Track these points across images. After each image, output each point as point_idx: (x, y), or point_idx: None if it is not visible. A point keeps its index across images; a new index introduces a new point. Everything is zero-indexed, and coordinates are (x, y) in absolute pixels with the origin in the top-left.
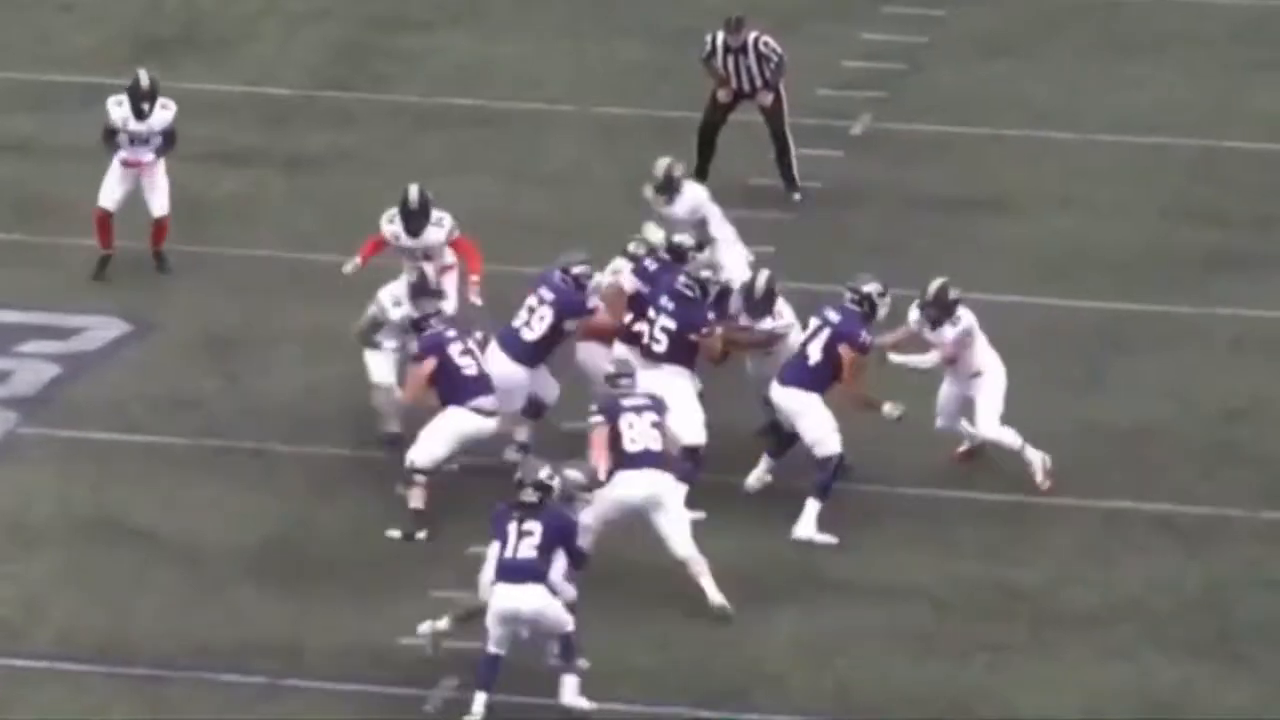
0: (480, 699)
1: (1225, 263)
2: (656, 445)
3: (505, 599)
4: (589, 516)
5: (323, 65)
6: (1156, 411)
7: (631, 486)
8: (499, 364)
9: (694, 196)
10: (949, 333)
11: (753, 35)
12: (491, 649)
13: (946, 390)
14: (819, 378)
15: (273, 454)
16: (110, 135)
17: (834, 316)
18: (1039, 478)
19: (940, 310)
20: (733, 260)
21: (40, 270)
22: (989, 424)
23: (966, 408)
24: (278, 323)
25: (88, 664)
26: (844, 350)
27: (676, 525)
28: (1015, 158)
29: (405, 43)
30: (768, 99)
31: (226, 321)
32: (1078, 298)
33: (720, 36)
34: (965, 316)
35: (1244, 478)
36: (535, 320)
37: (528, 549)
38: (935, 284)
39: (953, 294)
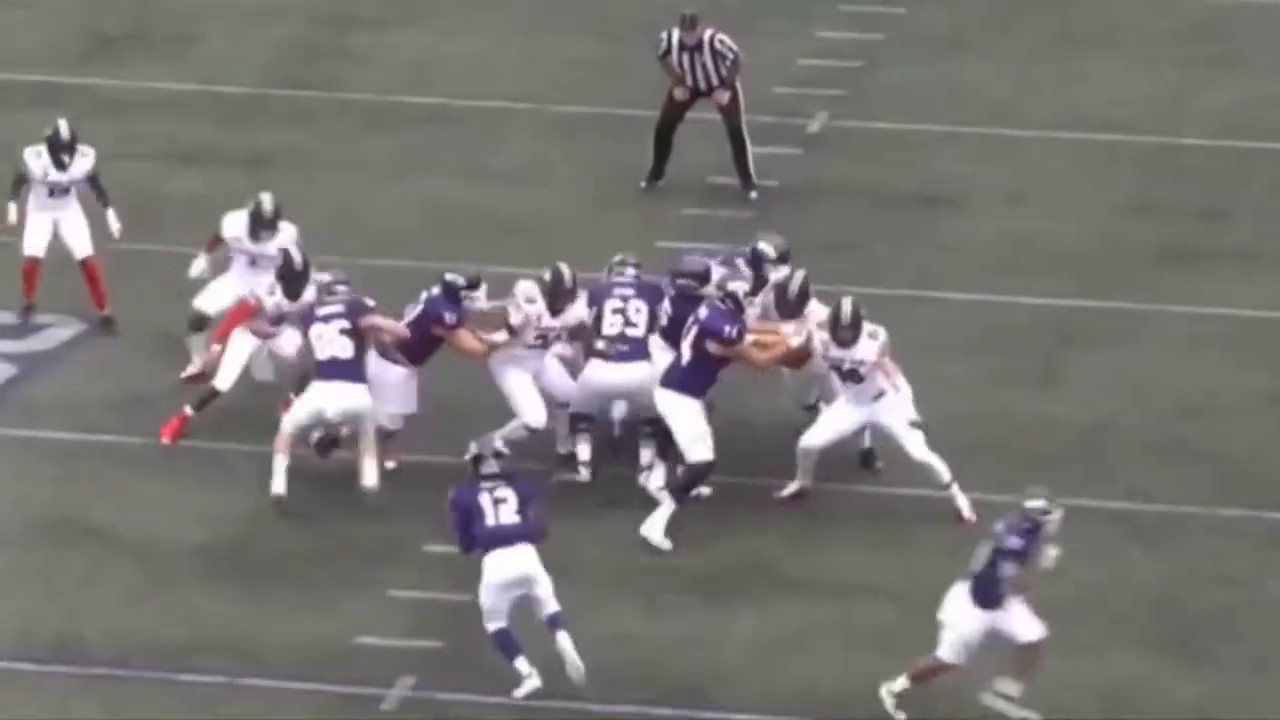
0: (523, 662)
1: (1179, 258)
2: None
3: (507, 565)
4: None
5: (276, 63)
6: (1112, 408)
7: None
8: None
9: (289, 234)
10: (869, 348)
11: (708, 33)
12: (497, 624)
13: (841, 410)
14: (694, 379)
15: (228, 453)
16: (19, 184)
17: (702, 313)
18: (965, 513)
19: (855, 331)
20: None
21: None
22: (919, 449)
23: (870, 433)
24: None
25: (44, 663)
26: (712, 346)
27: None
28: (971, 154)
29: (358, 40)
30: (724, 97)
31: (181, 320)
32: (1032, 294)
33: (675, 34)
34: (880, 331)
35: (1201, 474)
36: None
37: (509, 514)
38: (848, 306)
39: (861, 311)
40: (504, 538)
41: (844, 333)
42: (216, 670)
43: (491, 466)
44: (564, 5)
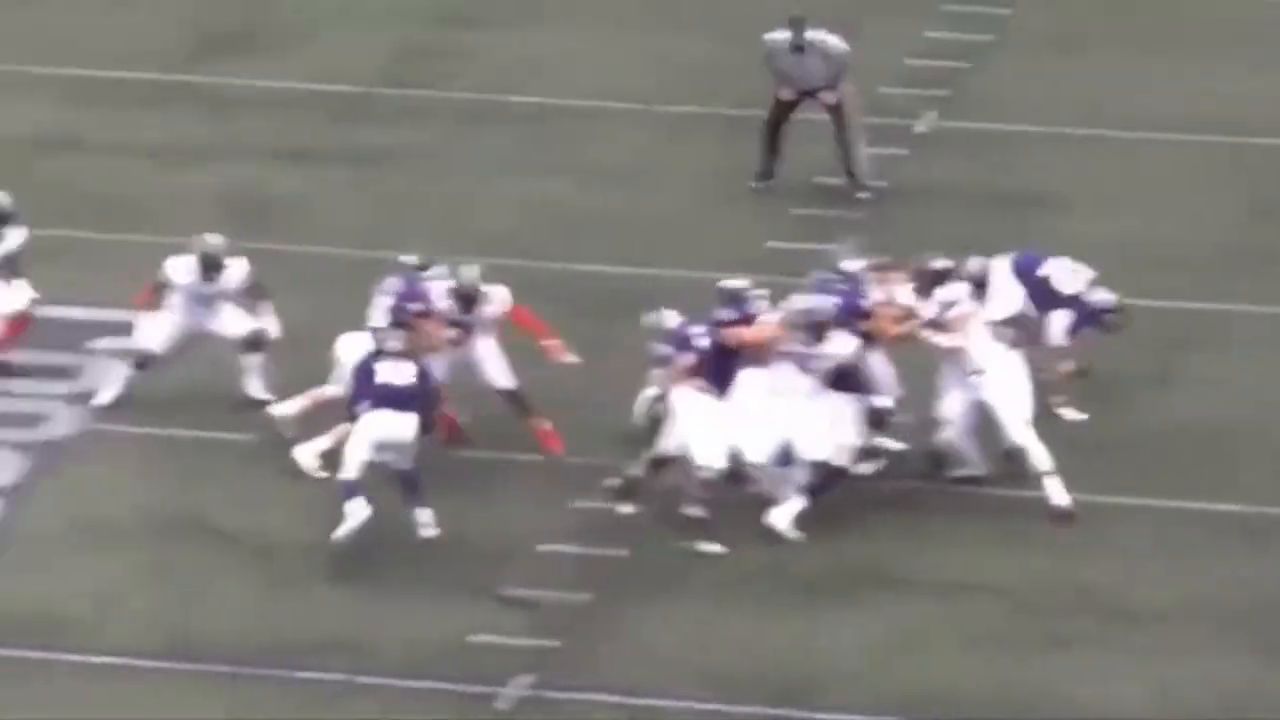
0: (358, 504)
1: None
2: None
3: (388, 424)
4: None
5: (385, 62)
6: (1230, 412)
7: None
8: None
9: (240, 272)
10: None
11: (815, 34)
12: (353, 475)
13: (953, 397)
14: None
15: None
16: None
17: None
18: (1056, 499)
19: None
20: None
21: (107, 268)
22: (1018, 432)
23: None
24: (342, 319)
25: (163, 660)
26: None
27: None
28: (1078, 155)
29: (468, 39)
30: (832, 97)
31: (293, 317)
32: (1145, 296)
33: (783, 35)
34: (964, 300)
35: None
36: None
37: (407, 378)
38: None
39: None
40: (393, 399)
41: (923, 280)
42: (334, 668)
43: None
44: (673, 4)
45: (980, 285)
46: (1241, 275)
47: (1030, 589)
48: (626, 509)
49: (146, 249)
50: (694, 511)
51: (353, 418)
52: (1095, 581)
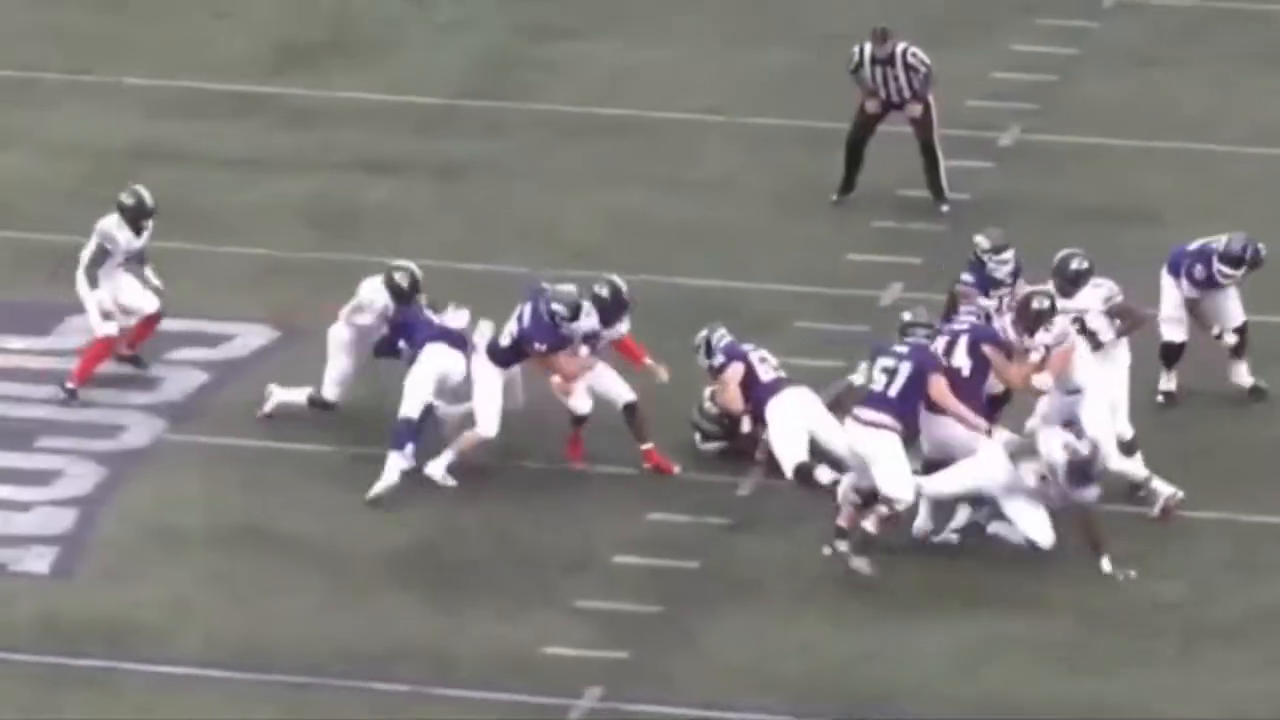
0: (404, 456)
1: None
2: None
3: (448, 359)
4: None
5: (470, 73)
6: None
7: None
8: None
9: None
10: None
11: (900, 46)
12: (415, 414)
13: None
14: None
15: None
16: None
17: (965, 325)
18: (1167, 495)
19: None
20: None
21: (190, 277)
22: (1111, 457)
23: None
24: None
25: (233, 669)
26: (989, 350)
27: None
28: (1166, 169)
29: (552, 51)
30: (917, 110)
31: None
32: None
33: (868, 48)
34: (1058, 330)
35: None
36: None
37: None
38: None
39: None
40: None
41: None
42: (405, 678)
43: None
44: (759, 16)
45: (1074, 283)
46: None
47: (1109, 604)
48: (864, 566)
49: (230, 260)
50: (867, 527)
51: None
52: (1171, 595)
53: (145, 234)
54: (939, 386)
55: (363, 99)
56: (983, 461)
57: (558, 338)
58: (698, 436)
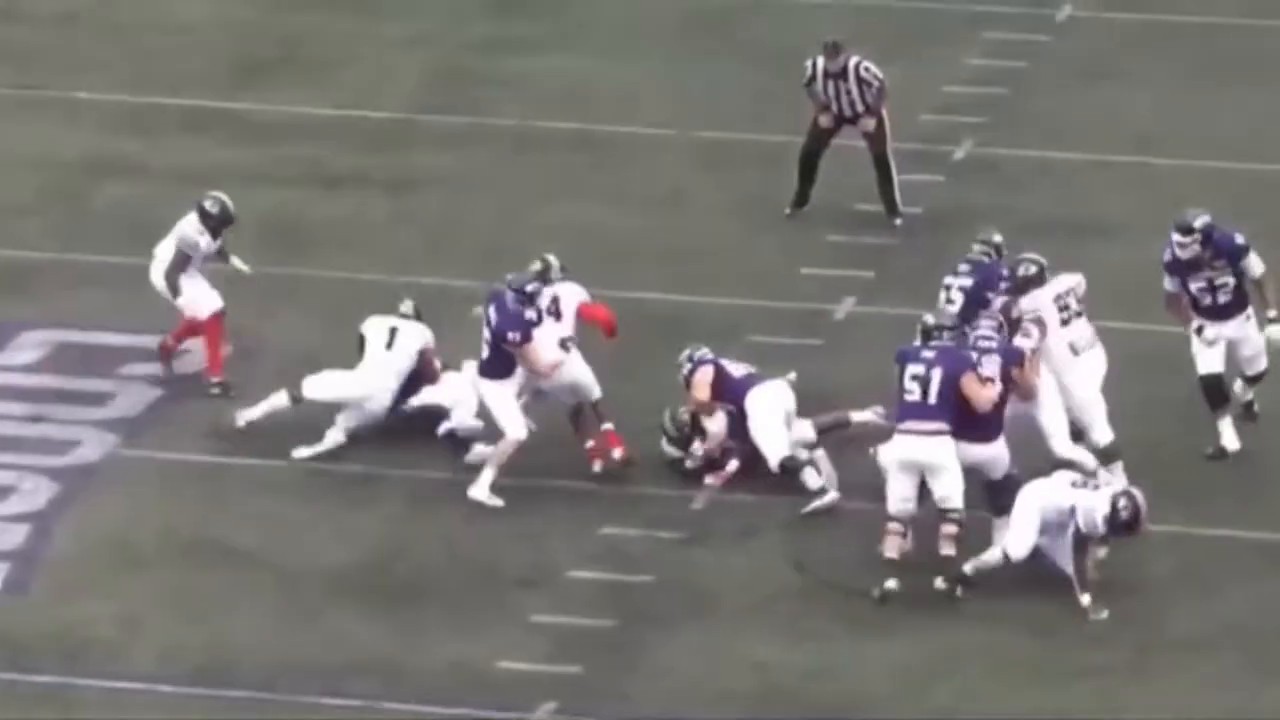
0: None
1: None
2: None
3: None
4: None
5: (422, 88)
6: (1261, 438)
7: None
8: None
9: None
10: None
11: (853, 60)
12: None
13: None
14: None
15: (373, 476)
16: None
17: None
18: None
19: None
20: None
21: (142, 292)
22: (1062, 443)
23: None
24: None
25: (187, 685)
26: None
27: None
28: (1118, 183)
29: (505, 66)
30: (870, 124)
31: (327, 345)
32: (1182, 325)
33: (820, 61)
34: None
35: None
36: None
37: None
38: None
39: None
40: None
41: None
42: (359, 693)
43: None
44: (712, 32)
45: (1022, 289)
46: None
47: (1063, 618)
48: (956, 591)
49: None
50: (949, 553)
51: None
52: (1126, 609)
53: (221, 240)
54: (972, 386)
55: (316, 114)
56: (1031, 494)
57: (526, 323)
58: (664, 441)
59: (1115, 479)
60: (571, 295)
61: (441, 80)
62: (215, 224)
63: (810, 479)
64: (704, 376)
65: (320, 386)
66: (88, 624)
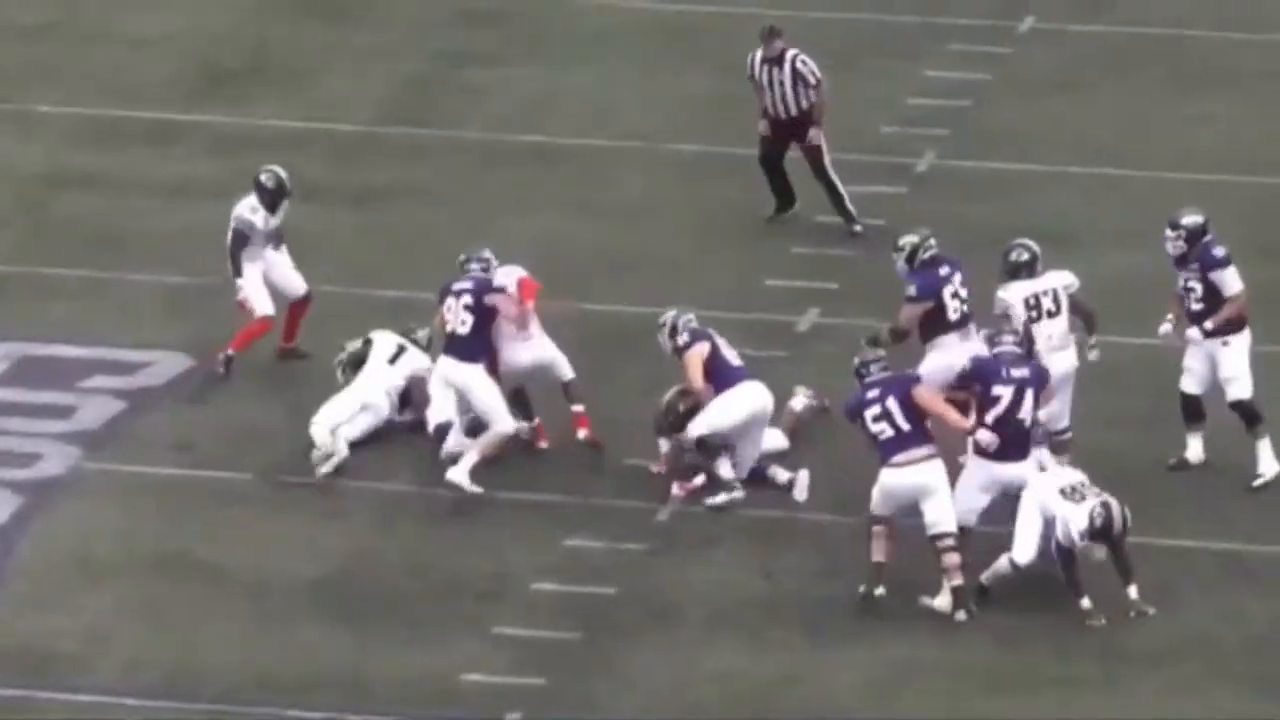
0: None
1: None
2: None
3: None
4: None
5: (390, 100)
6: (1225, 450)
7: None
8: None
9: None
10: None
11: (790, 52)
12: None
13: None
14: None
15: (337, 488)
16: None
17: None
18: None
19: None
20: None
21: (105, 305)
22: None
23: None
24: None
25: (152, 698)
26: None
27: None
28: (1080, 195)
29: (472, 78)
30: (818, 136)
31: (291, 356)
32: (1144, 335)
33: (759, 52)
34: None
35: None
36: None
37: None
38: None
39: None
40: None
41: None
42: (323, 706)
43: None
44: (679, 43)
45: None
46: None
47: (1027, 627)
48: (963, 615)
49: (148, 287)
50: (958, 582)
51: None
52: (1093, 620)
53: (281, 213)
54: (923, 395)
55: (282, 126)
56: (1030, 498)
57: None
58: (662, 442)
59: (1066, 471)
60: (512, 273)
61: (409, 92)
62: (271, 199)
63: (723, 469)
64: (700, 351)
65: (331, 418)
66: (51, 637)
